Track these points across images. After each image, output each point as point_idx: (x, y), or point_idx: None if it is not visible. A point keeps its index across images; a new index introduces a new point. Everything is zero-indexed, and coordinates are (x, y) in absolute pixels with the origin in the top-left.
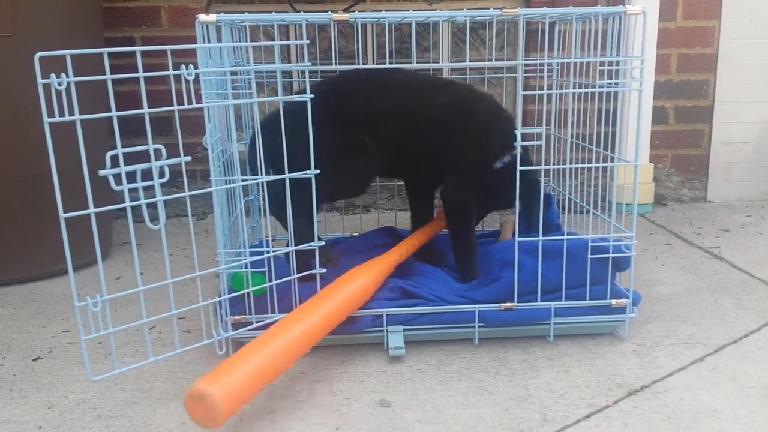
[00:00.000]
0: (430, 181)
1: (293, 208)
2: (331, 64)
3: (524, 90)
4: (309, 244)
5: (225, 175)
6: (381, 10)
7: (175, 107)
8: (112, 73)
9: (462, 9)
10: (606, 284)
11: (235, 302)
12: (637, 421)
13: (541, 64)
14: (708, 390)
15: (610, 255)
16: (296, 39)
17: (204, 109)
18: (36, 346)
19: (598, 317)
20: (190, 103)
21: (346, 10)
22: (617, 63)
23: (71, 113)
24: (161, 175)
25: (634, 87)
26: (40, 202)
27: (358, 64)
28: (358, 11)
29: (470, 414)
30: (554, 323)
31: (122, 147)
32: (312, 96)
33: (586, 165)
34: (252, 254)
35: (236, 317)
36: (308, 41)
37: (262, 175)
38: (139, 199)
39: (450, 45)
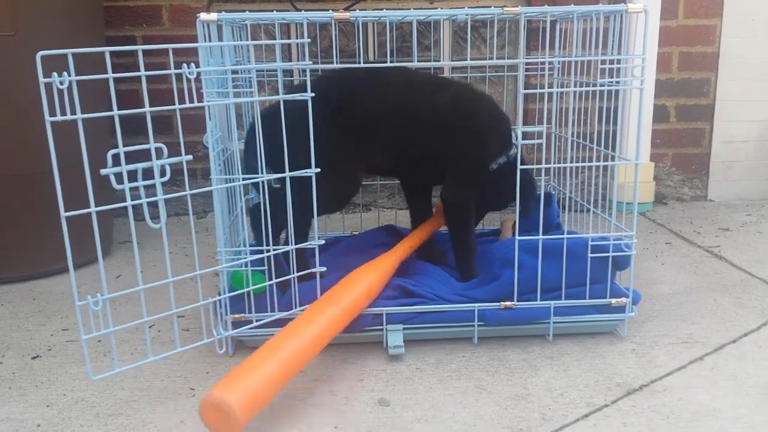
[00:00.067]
0: (428, 181)
1: (270, 212)
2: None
3: (525, 88)
4: (308, 243)
5: (225, 174)
6: (382, 9)
7: (177, 106)
8: (113, 72)
9: (463, 7)
10: (606, 283)
11: (235, 301)
12: (636, 420)
13: (542, 63)
14: (707, 389)
15: (610, 254)
16: (297, 38)
17: (205, 108)
18: (35, 344)
19: (597, 316)
20: (191, 101)
21: (347, 9)
22: (618, 61)
23: (73, 112)
24: (162, 173)
25: (635, 85)
26: (41, 201)
27: (359, 62)
28: (359, 10)
29: (469, 413)
30: (554, 322)
31: (123, 146)
32: (313, 95)
33: (586, 164)
34: (252, 253)
35: (236, 315)
36: (309, 40)
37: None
38: (139, 198)
39: (451, 43)
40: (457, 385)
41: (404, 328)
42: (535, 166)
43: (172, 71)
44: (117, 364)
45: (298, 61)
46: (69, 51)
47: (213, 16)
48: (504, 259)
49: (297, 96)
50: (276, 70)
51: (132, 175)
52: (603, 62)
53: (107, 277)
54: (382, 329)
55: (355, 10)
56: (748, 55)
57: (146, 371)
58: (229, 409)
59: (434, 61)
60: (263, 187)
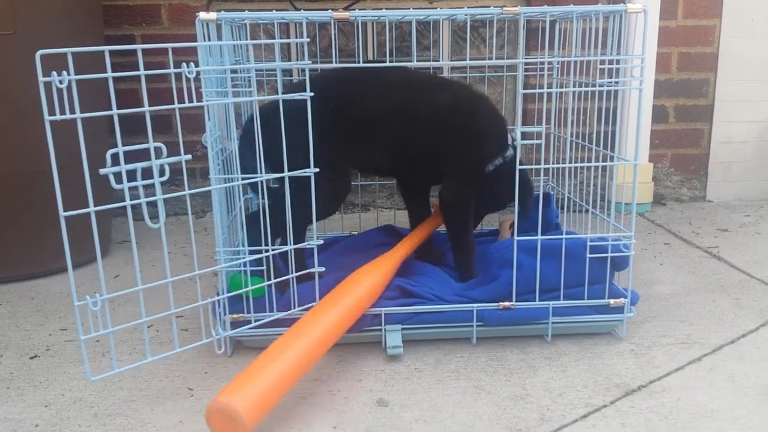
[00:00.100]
0: (426, 181)
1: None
2: (331, 62)
3: (524, 89)
4: (307, 243)
5: (224, 174)
6: (381, 8)
7: (176, 105)
8: (112, 72)
9: (462, 7)
10: (604, 284)
11: (234, 301)
12: (635, 420)
13: (542, 63)
14: (705, 390)
15: (609, 254)
16: (296, 37)
17: (204, 107)
18: (33, 344)
19: (596, 317)
20: (190, 101)
21: (346, 8)
22: (617, 62)
23: (72, 111)
24: (162, 173)
25: (634, 86)
26: (40, 200)
27: (358, 62)
28: (359, 9)
29: (468, 413)
30: (552, 323)
31: (122, 145)
32: (312, 94)
33: (585, 164)
34: (250, 253)
35: (235, 316)
36: (308, 39)
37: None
38: (138, 198)
39: (450, 43)
40: (456, 385)
41: (403, 329)
42: (534, 167)
43: (172, 70)
44: (116, 364)
45: (297, 60)
46: (68, 50)
47: (212, 15)
48: (503, 259)
49: (296, 96)
50: (275, 70)
51: (131, 175)
52: (602, 62)
53: (105, 276)
54: (380, 329)
55: (354, 9)
56: (748, 56)
57: (145, 371)
58: (236, 415)
59: (433, 60)
60: (261, 187)
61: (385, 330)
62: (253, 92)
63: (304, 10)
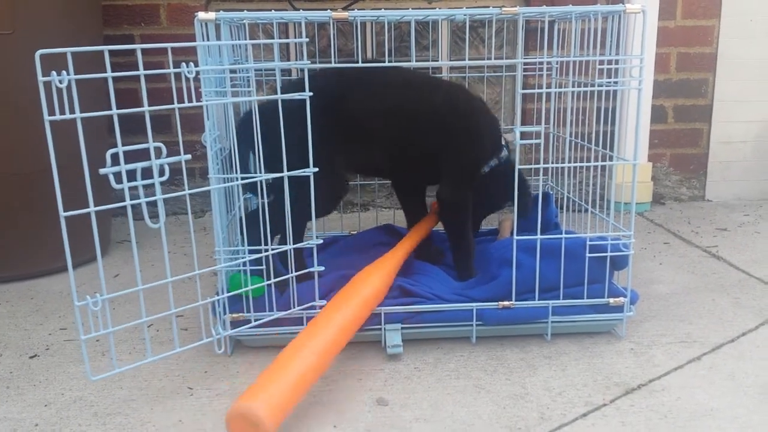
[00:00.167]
0: (423, 181)
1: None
2: (330, 62)
3: (523, 89)
4: (306, 243)
5: (223, 173)
6: (380, 8)
7: (175, 105)
8: (111, 71)
9: (461, 7)
10: (604, 283)
11: (234, 301)
12: (635, 419)
13: (541, 63)
14: (705, 389)
15: (608, 254)
16: (295, 37)
17: (203, 107)
18: (33, 343)
19: (595, 316)
20: (189, 101)
21: (345, 8)
22: (616, 62)
23: (72, 111)
24: (161, 173)
25: (633, 86)
26: (39, 200)
27: (357, 62)
28: (358, 9)
29: (468, 412)
30: (552, 322)
31: (122, 145)
32: (311, 94)
33: (584, 164)
34: (250, 252)
35: (234, 315)
36: (307, 39)
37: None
38: (138, 197)
39: (449, 43)
40: (456, 384)
41: (403, 328)
42: (533, 166)
43: (171, 70)
44: (116, 364)
45: (296, 60)
46: (68, 50)
47: (211, 15)
48: (502, 258)
49: (296, 95)
50: (274, 70)
51: (131, 175)
52: (601, 62)
53: (105, 276)
54: (380, 328)
55: (353, 9)
56: (746, 56)
57: (144, 370)
58: (258, 420)
59: (432, 60)
60: (260, 187)
61: (384, 329)
62: (252, 92)
63: (303, 10)
